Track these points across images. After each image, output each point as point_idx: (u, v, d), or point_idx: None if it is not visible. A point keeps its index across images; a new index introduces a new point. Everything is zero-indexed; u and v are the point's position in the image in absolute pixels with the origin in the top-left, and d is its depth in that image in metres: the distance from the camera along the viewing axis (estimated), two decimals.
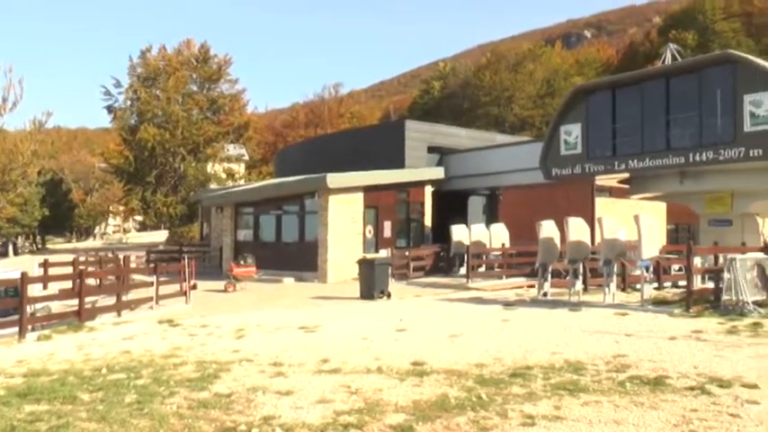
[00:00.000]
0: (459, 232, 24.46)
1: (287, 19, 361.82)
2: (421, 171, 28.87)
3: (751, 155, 16.78)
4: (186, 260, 18.42)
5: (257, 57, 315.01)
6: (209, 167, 55.40)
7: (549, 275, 17.45)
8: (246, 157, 66.16)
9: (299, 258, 24.76)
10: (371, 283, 17.89)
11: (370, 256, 20.00)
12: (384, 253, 23.61)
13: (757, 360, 8.82)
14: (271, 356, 9.59)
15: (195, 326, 13.01)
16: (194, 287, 18.83)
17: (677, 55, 22.77)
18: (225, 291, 20.89)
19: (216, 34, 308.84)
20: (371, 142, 31.66)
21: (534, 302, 16.36)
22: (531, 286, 19.18)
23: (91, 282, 18.96)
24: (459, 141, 32.01)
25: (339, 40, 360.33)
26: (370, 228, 25.88)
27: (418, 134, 30.35)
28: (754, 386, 7.40)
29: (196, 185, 51.71)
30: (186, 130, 52.63)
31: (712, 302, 14.33)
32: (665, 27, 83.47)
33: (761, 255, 14.64)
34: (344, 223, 24.61)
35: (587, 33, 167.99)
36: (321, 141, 42.40)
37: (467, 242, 23.39)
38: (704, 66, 18.85)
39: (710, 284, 15.59)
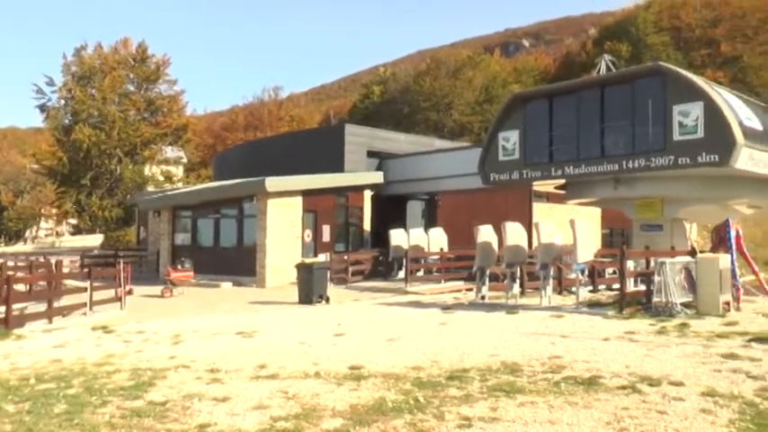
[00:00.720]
0: (397, 236, 24.57)
1: (227, 20, 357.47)
2: (360, 175, 28.92)
3: (680, 163, 17.32)
4: (122, 265, 17.99)
5: (197, 58, 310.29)
6: (147, 170, 54.19)
7: (487, 279, 17.69)
8: (185, 160, 65.05)
9: (238, 263, 24.48)
10: (310, 287, 17.81)
11: (308, 260, 19.90)
12: (323, 257, 23.54)
13: (684, 359, 9.12)
14: (208, 362, 9.45)
15: (130, 332, 12.71)
16: (130, 292, 18.43)
17: (611, 66, 23.35)
18: (162, 296, 20.49)
19: (154, 34, 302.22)
20: (311, 146, 31.58)
21: (472, 306, 16.55)
22: (469, 290, 19.40)
23: (20, 288, 18.32)
24: (399, 146, 32.20)
25: (279, 42, 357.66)
26: (308, 232, 25.78)
27: (358, 138, 30.42)
28: (681, 384, 7.66)
29: (133, 188, 50.50)
30: (123, 132, 51.35)
31: (644, 304, 14.75)
32: (600, 38, 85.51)
33: (688, 258, 15.13)
34: (283, 227, 24.45)
35: (525, 42, 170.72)
36: (260, 144, 42.06)
37: (405, 246, 23.52)
38: (636, 77, 19.40)
39: (643, 287, 16.02)
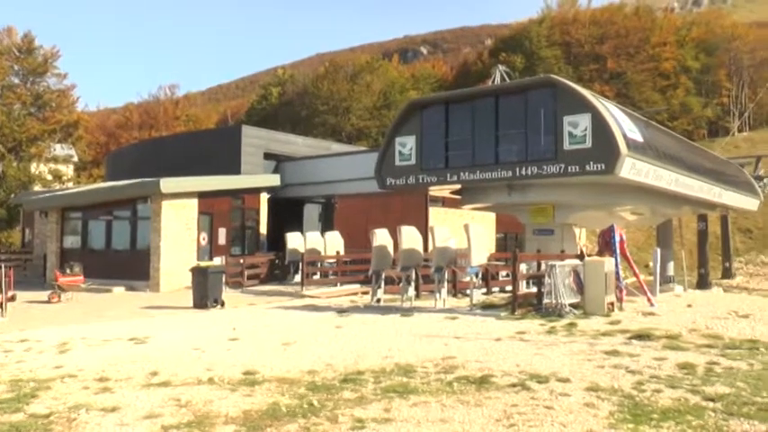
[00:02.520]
0: (294, 240, 24.45)
1: (122, 13, 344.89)
2: (257, 178, 28.62)
3: (569, 171, 18.02)
4: (3, 269, 17.00)
5: (89, 52, 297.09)
6: (33, 168, 51.34)
7: (383, 282, 17.88)
8: (75, 159, 62.06)
9: (131, 267, 23.69)
10: (205, 291, 17.47)
11: (203, 263, 19.50)
12: (218, 261, 23.10)
13: (571, 357, 9.54)
14: (97, 371, 9.08)
15: (12, 341, 12.00)
16: (13, 298, 17.41)
17: (506, 76, 24.14)
18: (48, 302, 19.50)
19: (42, 25, 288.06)
20: (207, 147, 30.97)
21: (368, 309, 16.67)
22: (365, 293, 19.53)
23: None
24: (297, 149, 32.08)
25: (176, 39, 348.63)
26: (204, 235, 25.28)
27: (255, 140, 30.10)
28: (567, 380, 8.03)
29: (17, 187, 47.71)
30: (6, 127, 48.41)
31: (535, 305, 15.26)
32: (495, 49, 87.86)
33: (577, 261, 15.78)
34: (178, 230, 23.87)
35: (423, 50, 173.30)
36: (156, 144, 40.87)
37: (302, 250, 23.44)
38: (529, 88, 20.07)
39: (534, 289, 16.59)
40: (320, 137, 55.30)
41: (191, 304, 17.62)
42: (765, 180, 41.93)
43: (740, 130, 69.80)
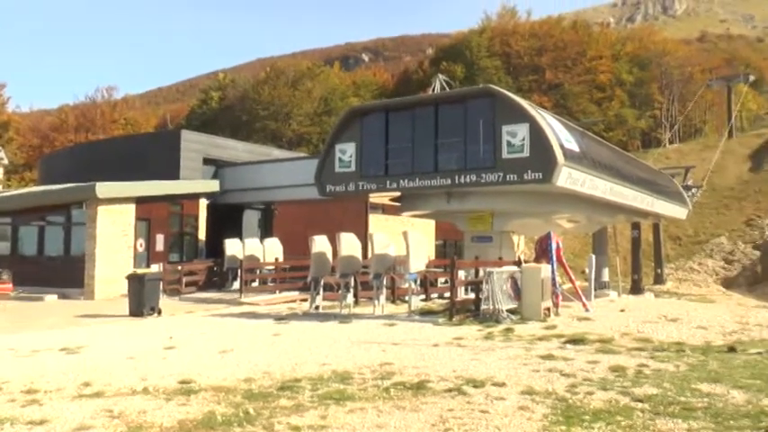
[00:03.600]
0: (232, 246, 24.18)
1: (57, 12, 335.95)
2: (196, 183, 28.20)
3: (508, 179, 18.27)
4: None
5: (21, 50, 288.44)
6: None
7: (322, 289, 17.84)
8: (6, 162, 60.16)
9: (64, 274, 23.02)
10: (141, 299, 17.11)
11: (140, 270, 19.11)
12: (156, 268, 22.67)
13: (507, 361, 9.70)
14: (24, 383, 8.73)
15: None
16: None
17: (446, 85, 24.37)
18: None
19: None
20: (146, 151, 30.36)
21: (306, 316, 16.61)
22: (304, 300, 19.45)
23: None
24: (236, 154, 31.73)
25: (115, 40, 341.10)
26: (141, 241, 24.79)
27: (194, 145, 29.65)
28: (503, 384, 8.16)
29: None
30: None
31: (473, 311, 15.45)
32: (436, 58, 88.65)
33: (514, 268, 16.04)
34: (114, 236, 23.33)
35: (365, 57, 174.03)
36: (92, 148, 39.76)
37: (241, 256, 23.20)
38: (469, 97, 20.28)
39: (472, 295, 16.79)
40: (261, 142, 54.82)
41: (126, 312, 17.22)
42: (694, 190, 43.47)
43: (671, 142, 72.07)
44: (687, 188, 40.73)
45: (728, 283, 43.35)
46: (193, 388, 8.30)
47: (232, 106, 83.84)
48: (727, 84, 76.32)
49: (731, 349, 10.70)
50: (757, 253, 47.54)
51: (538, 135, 17.75)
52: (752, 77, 78.55)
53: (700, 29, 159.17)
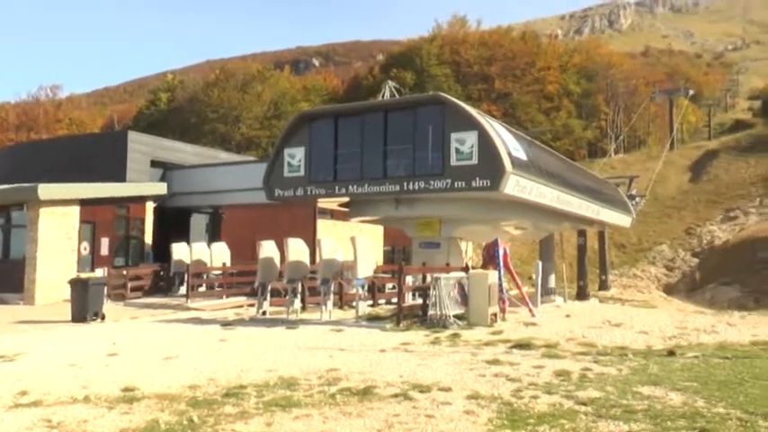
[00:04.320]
0: (179, 251, 23.80)
1: None
2: (143, 186, 27.68)
3: (456, 186, 18.43)
4: None
5: None
6: None
7: (269, 294, 17.70)
8: None
9: (3, 278, 22.31)
10: (84, 304, 16.68)
11: (84, 275, 18.67)
12: (100, 272, 22.18)
13: (453, 366, 9.76)
14: None
15: None
16: None
17: (395, 92, 24.52)
18: None
19: None
20: (91, 152, 29.66)
21: (253, 321, 16.43)
22: (251, 305, 19.25)
23: None
24: (185, 157, 31.28)
25: (60, 37, 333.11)
26: (85, 244, 24.23)
27: (142, 147, 29.13)
28: (449, 389, 8.20)
29: None
30: None
31: (420, 317, 15.48)
32: (387, 65, 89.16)
33: (462, 274, 16.16)
34: (57, 239, 22.71)
35: (316, 62, 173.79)
36: (34, 147, 38.64)
37: (188, 261, 22.85)
38: (418, 104, 20.41)
39: (420, 301, 16.85)
40: (209, 145, 54.28)
41: (69, 318, 16.77)
42: (637, 199, 44.54)
43: (616, 152, 73.83)
44: (631, 197, 41.72)
45: (669, 289, 44.56)
46: (137, 395, 8.13)
47: (181, 108, 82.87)
48: (669, 97, 78.85)
49: (671, 353, 10.98)
50: (696, 260, 48.99)
51: (486, 143, 17.95)
52: (691, 92, 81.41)
53: (644, 43, 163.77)
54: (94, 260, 24.44)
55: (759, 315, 18.23)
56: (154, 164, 29.24)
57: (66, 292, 18.12)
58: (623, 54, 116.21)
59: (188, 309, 19.70)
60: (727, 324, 15.22)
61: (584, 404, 7.39)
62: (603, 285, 40.82)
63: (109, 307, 18.43)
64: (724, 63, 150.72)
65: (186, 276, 21.94)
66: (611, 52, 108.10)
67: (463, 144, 18.29)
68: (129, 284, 22.72)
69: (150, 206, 27.54)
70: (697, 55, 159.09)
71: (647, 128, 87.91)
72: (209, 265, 23.36)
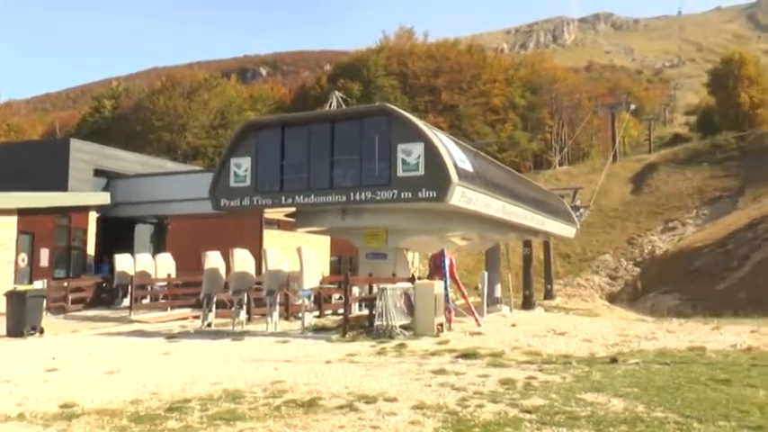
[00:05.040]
0: (123, 262, 23.36)
1: None
2: (85, 195, 27.11)
3: (402, 197, 18.49)
4: None
5: None
6: None
7: (214, 306, 17.49)
8: None
9: None
10: (21, 318, 16.15)
11: (21, 287, 18.12)
12: (39, 284, 21.60)
13: (399, 377, 9.78)
14: None
15: None
16: None
17: (342, 102, 24.52)
18: None
19: None
20: (31, 160, 28.87)
21: (198, 333, 16.22)
22: (197, 317, 19.00)
23: None
24: (129, 166, 30.78)
25: None
26: (23, 256, 23.60)
27: (84, 155, 28.54)
28: (395, 399, 8.21)
29: None
30: None
31: (367, 327, 15.50)
32: (334, 75, 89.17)
33: (408, 284, 16.23)
34: None
35: (263, 71, 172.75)
36: None
37: (131, 272, 22.43)
38: (365, 115, 20.44)
39: (366, 311, 16.86)
40: (155, 154, 53.44)
41: (3, 332, 16.24)
42: (581, 210, 45.41)
43: (560, 164, 75.17)
44: (575, 208, 42.51)
45: (612, 298, 45.54)
46: (76, 412, 7.91)
47: (126, 116, 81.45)
48: (612, 111, 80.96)
49: (613, 360, 11.22)
50: (638, 270, 50.20)
51: (432, 154, 18.07)
52: (633, 106, 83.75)
53: (587, 59, 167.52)
54: (33, 272, 23.83)
55: (696, 322, 18.73)
56: (97, 173, 28.68)
57: (2, 305, 17.54)
58: (567, 69, 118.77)
59: (131, 321, 19.34)
60: (666, 331, 15.60)
61: (529, 412, 7.49)
62: (549, 295, 41.46)
63: (48, 320, 17.95)
64: (662, 79, 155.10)
65: (130, 288, 21.54)
66: (555, 66, 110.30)
67: (410, 155, 18.37)
68: (70, 297, 22.18)
69: (93, 216, 26.97)
70: (637, 71, 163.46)
71: (591, 141, 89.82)
72: (153, 276, 22.98)
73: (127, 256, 23.92)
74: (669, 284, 43.35)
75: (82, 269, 26.41)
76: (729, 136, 68.60)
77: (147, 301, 22.53)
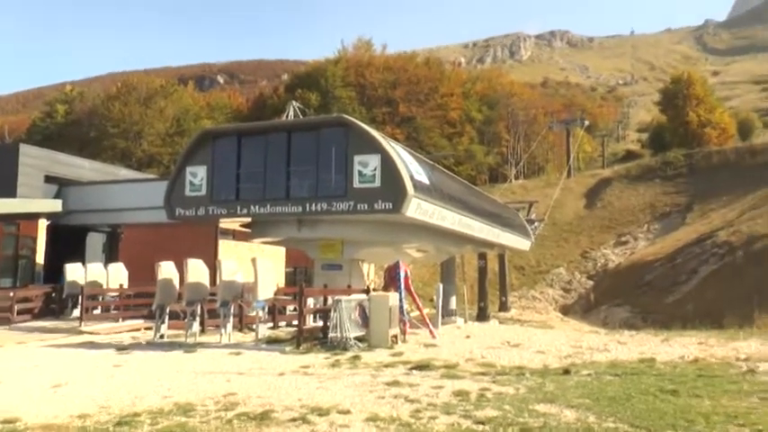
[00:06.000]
0: (74, 271, 22.84)
1: None
2: (35, 202, 26.48)
3: (358, 208, 18.51)
4: None
5: None
6: None
7: (167, 317, 17.22)
8: None
9: None
10: None
11: None
12: None
13: (353, 389, 9.76)
14: None
15: None
16: None
17: (299, 112, 24.44)
18: None
19: None
20: None
21: (150, 345, 15.93)
22: (149, 328, 18.68)
23: None
24: (82, 173, 30.19)
25: None
26: None
27: (35, 161, 27.89)
28: (348, 412, 8.20)
29: None
30: None
31: (321, 339, 15.44)
32: (292, 85, 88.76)
33: (363, 296, 16.22)
34: None
35: (220, 79, 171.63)
36: None
37: (82, 282, 21.95)
38: (322, 126, 20.43)
39: (321, 323, 16.79)
40: (109, 161, 52.59)
41: None
42: (536, 224, 46.03)
43: (516, 178, 76.06)
44: (530, 222, 43.07)
45: (566, 310, 46.11)
46: (18, 428, 7.70)
47: (79, 121, 79.84)
48: (566, 127, 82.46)
49: (566, 371, 11.36)
50: (591, 282, 50.97)
51: (389, 166, 18.14)
52: (587, 122, 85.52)
53: (543, 75, 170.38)
54: None
55: (646, 334, 19.08)
56: (48, 179, 28.06)
57: None
58: (523, 84, 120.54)
59: (81, 333, 18.90)
60: (618, 343, 15.86)
61: (482, 423, 7.54)
62: (503, 307, 41.80)
63: None
64: (616, 96, 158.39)
65: (80, 298, 21.07)
66: (512, 82, 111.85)
67: (366, 167, 18.41)
68: (17, 307, 21.58)
69: (43, 224, 26.36)
70: (592, 88, 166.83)
71: (546, 155, 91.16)
72: (105, 286, 22.52)
73: (78, 265, 23.42)
74: (621, 297, 44.08)
75: (30, 278, 25.76)
76: (679, 153, 70.23)
77: (98, 311, 22.06)
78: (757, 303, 27.22)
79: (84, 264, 23.90)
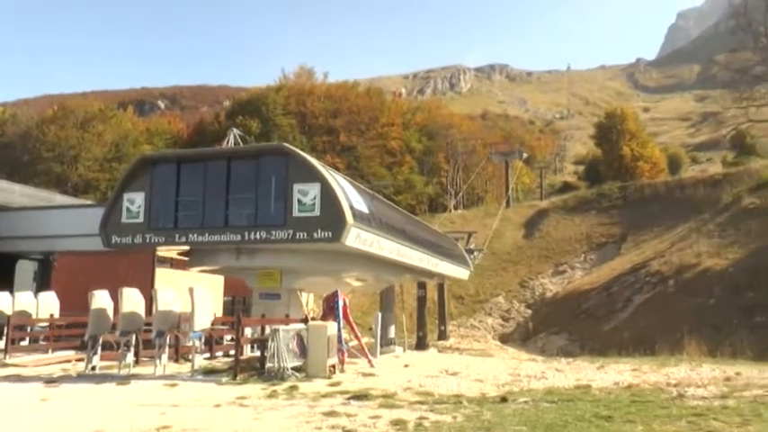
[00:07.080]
0: (1, 301, 22.03)
1: None
2: None
3: (298, 237, 18.45)
4: None
5: None
6: None
7: (100, 348, 16.76)
8: None
9: None
10: None
11: None
12: None
13: (290, 419, 9.69)
14: None
15: None
16: None
17: (240, 140, 24.33)
18: None
19: None
20: None
21: (81, 377, 15.44)
22: (81, 360, 18.13)
23: None
24: (12, 198, 29.35)
25: None
26: None
27: None
28: None
29: None
30: None
31: (258, 369, 15.27)
32: (233, 111, 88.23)
33: (301, 325, 16.13)
34: None
35: (161, 104, 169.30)
36: None
37: (9, 312, 21.17)
38: (262, 153, 20.39)
39: (258, 353, 16.59)
40: (43, 186, 51.07)
41: None
42: (475, 253, 46.60)
43: (456, 208, 76.85)
44: (469, 251, 43.56)
45: (505, 339, 46.54)
46: None
47: (11, 144, 77.51)
48: (505, 158, 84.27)
49: (503, 399, 11.50)
50: (530, 311, 51.72)
51: (329, 195, 18.19)
52: (525, 155, 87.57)
53: (482, 107, 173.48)
54: None
55: (583, 361, 19.49)
56: None
57: None
58: (463, 116, 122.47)
59: (6, 365, 18.16)
60: (555, 370, 16.15)
61: None
62: (442, 335, 41.98)
63: None
64: (553, 130, 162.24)
65: (6, 329, 20.29)
66: (451, 113, 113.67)
67: (306, 195, 18.42)
68: None
69: None
70: (530, 121, 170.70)
71: (485, 186, 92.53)
72: (34, 316, 21.77)
73: (5, 294, 22.58)
74: (559, 325, 44.76)
75: None
76: (613, 186, 72.17)
77: (25, 342, 21.27)
78: (687, 330, 28.00)
79: (11, 293, 23.07)
